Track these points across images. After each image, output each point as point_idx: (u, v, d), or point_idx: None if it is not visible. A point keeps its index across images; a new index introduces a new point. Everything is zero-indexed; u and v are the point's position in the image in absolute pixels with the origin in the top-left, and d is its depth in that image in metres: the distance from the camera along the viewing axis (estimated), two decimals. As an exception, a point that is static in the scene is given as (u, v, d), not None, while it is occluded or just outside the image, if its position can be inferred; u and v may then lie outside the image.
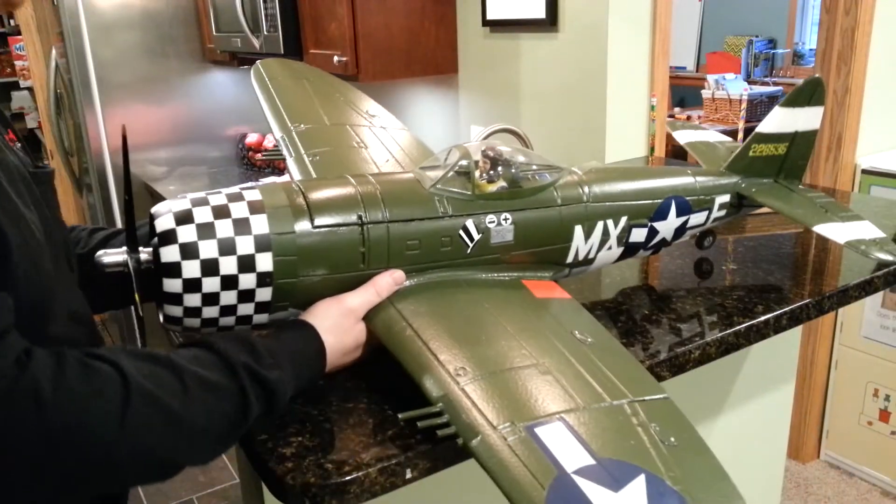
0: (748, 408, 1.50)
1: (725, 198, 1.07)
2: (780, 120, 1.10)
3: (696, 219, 1.05)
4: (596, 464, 0.60)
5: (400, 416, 0.70)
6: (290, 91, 1.23)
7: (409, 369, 0.74)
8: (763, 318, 0.98)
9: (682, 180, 1.03)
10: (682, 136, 1.35)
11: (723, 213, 1.08)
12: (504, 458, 0.61)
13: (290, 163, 1.06)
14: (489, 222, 0.87)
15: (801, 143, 1.12)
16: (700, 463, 0.63)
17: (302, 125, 1.13)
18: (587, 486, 0.57)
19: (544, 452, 0.61)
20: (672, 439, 0.64)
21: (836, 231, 1.05)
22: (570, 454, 0.61)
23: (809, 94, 1.09)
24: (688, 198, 1.03)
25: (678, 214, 1.02)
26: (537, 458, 0.60)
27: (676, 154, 3.99)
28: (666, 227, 1.01)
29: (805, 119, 1.10)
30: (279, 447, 0.72)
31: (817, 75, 1.11)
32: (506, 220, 0.88)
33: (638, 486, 0.58)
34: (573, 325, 0.80)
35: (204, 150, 3.29)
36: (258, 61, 1.32)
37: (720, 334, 0.94)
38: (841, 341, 2.42)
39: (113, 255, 0.76)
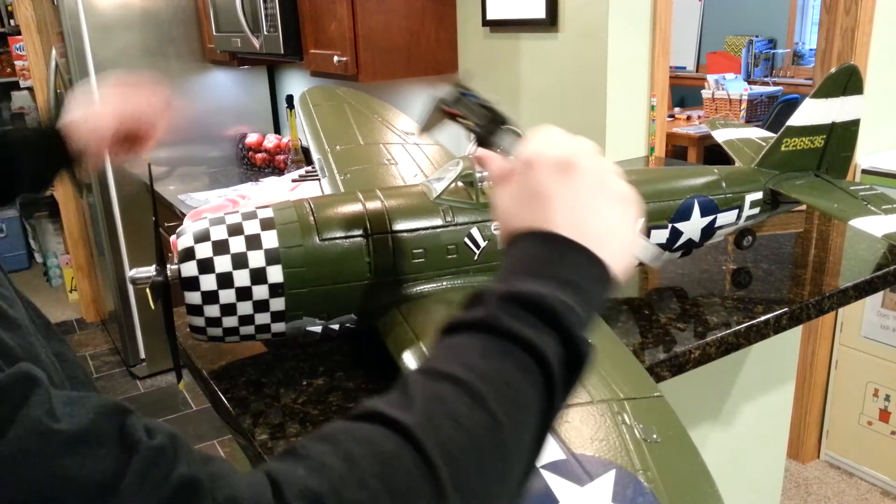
0: (748, 408, 1.50)
1: (757, 195, 1.05)
2: (812, 112, 1.07)
3: (725, 218, 1.03)
4: (567, 459, 0.60)
5: None
6: (331, 115, 1.30)
7: (404, 370, 0.75)
8: (763, 318, 0.98)
9: (705, 179, 1.02)
10: (722, 136, 1.31)
11: (756, 210, 1.06)
12: None
13: (324, 182, 1.11)
14: (495, 229, 0.87)
15: (840, 135, 1.09)
16: (682, 462, 0.63)
17: (338, 146, 1.19)
18: (553, 480, 0.58)
19: None
20: (655, 436, 0.64)
21: (873, 224, 1.02)
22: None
23: (843, 82, 1.05)
24: (713, 196, 1.00)
25: (703, 214, 1.00)
26: None
27: (677, 154, 4.00)
28: (690, 228, 1.00)
29: (842, 109, 1.07)
30: (279, 447, 0.72)
31: (851, 62, 1.07)
32: None
33: (605, 481, 0.59)
34: None
35: (204, 150, 3.29)
36: (304, 90, 1.38)
37: (720, 334, 0.94)
38: (841, 341, 2.42)
39: (143, 272, 0.81)
